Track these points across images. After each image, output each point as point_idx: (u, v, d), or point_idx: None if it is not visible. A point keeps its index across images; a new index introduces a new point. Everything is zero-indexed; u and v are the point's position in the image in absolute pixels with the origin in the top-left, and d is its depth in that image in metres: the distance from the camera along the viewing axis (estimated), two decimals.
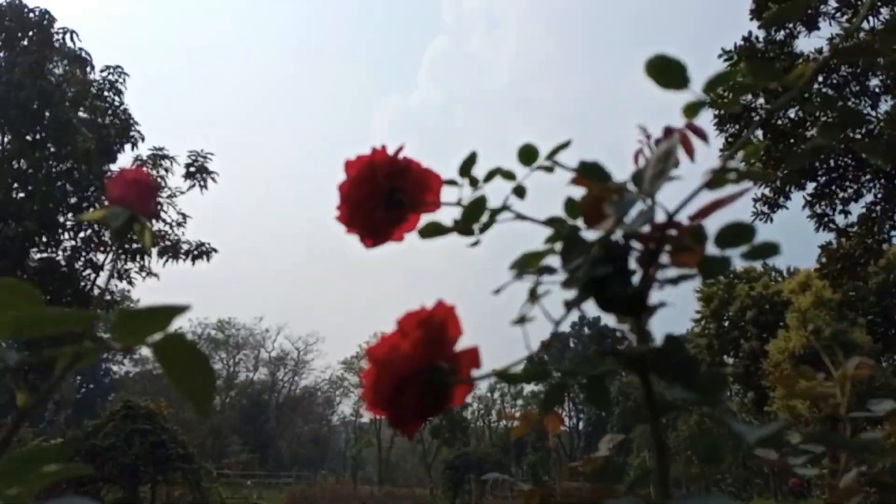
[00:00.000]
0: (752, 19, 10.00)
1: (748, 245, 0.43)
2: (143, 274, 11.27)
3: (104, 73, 11.09)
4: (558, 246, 0.46)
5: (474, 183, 0.55)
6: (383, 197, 0.54)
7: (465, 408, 34.47)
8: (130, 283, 11.26)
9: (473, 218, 0.53)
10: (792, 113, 9.84)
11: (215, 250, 11.31)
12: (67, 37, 10.67)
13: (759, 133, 9.82)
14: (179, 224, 11.16)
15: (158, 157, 11.02)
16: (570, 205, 0.48)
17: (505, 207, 0.52)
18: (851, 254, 10.25)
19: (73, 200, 10.88)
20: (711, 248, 0.42)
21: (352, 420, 41.65)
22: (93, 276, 11.20)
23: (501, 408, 41.05)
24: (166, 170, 10.99)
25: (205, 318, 38.05)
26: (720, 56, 9.30)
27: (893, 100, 9.54)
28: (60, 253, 11.07)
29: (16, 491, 0.41)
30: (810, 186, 10.33)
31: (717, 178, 0.42)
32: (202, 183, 10.92)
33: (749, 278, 18.45)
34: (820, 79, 9.32)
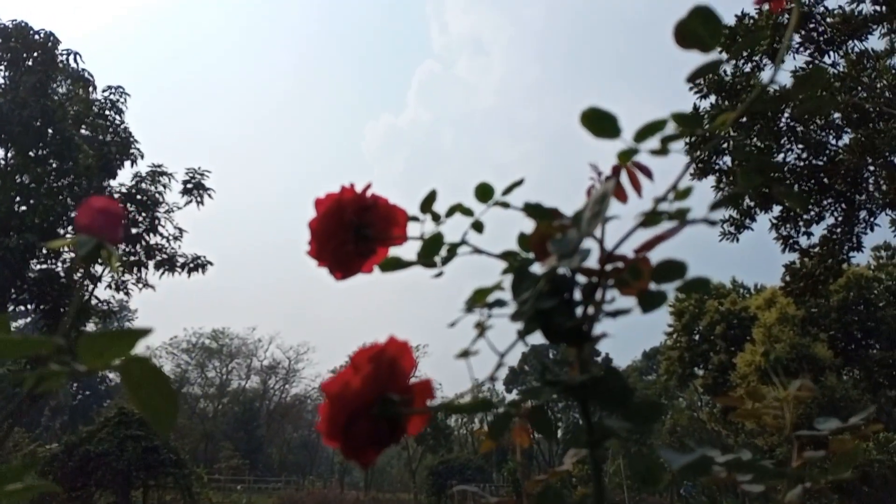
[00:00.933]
0: (721, 52, 10.58)
1: (681, 280, 0.48)
2: (140, 285, 11.67)
3: (106, 93, 11.52)
4: (508, 279, 0.50)
5: (436, 218, 0.59)
6: (351, 232, 0.58)
7: (448, 416, 34.79)
8: (128, 294, 11.65)
9: (432, 252, 0.58)
10: (759, 142, 10.39)
11: (210, 263, 11.73)
12: (71, 58, 11.09)
13: (728, 160, 10.38)
14: (176, 238, 11.58)
15: (157, 173, 11.44)
16: (522, 239, 0.53)
17: (463, 242, 0.57)
18: (814, 273, 10.82)
19: (73, 214, 11.27)
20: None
21: None
22: (90, 287, 11.60)
23: (483, 415, 41.40)
24: (164, 186, 11.42)
25: (199, 327, 38.50)
26: (691, 89, 9.84)
27: (852, 132, 10.10)
28: (60, 264, 11.45)
29: None
30: (776, 209, 10.91)
31: (650, 218, 0.48)
32: (199, 199, 11.35)
33: (718, 294, 19.16)
34: (786, 114, 9.90)
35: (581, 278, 0.50)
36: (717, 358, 16.14)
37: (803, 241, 10.82)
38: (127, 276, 11.61)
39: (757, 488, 0.69)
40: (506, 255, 0.58)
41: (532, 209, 0.55)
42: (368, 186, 0.61)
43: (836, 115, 10.48)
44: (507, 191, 0.63)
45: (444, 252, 0.60)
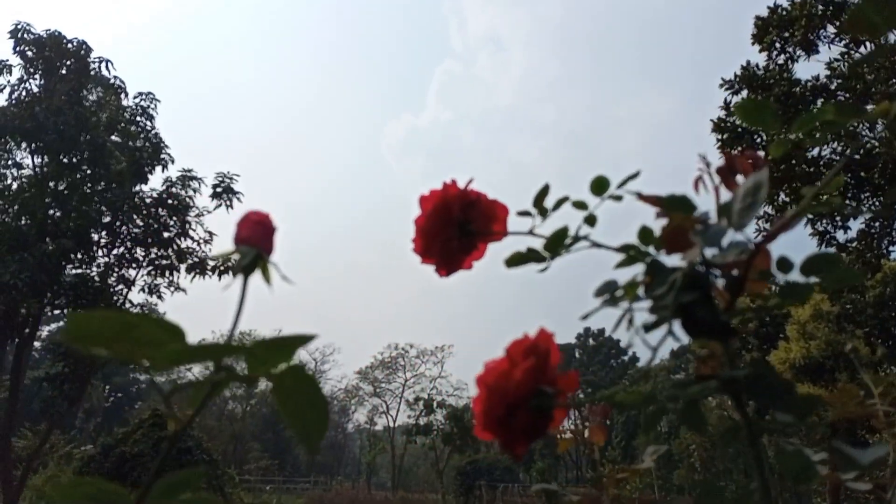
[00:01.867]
0: (753, 43, 10.42)
1: (832, 273, 0.47)
2: (172, 289, 11.82)
3: (137, 100, 11.70)
4: (625, 272, 0.51)
5: (544, 213, 0.59)
6: (457, 228, 0.59)
7: (474, 416, 34.72)
8: (160, 297, 11.81)
9: (558, 244, 0.57)
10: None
11: None
12: (103, 65, 11.28)
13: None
14: (206, 241, 11.71)
15: (187, 178, 11.58)
16: (645, 233, 0.53)
17: (583, 237, 0.57)
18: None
19: (106, 219, 11.46)
20: (795, 275, 0.46)
21: (366, 427, 42.09)
22: (125, 290, 11.79)
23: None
24: (195, 190, 11.55)
25: (227, 330, 38.88)
26: (721, 86, 9.68)
27: (887, 124, 9.87)
28: (94, 269, 11.65)
29: None
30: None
31: (811, 208, 0.47)
32: (228, 202, 11.47)
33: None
34: (819, 103, 9.73)
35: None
36: (750, 356, 15.91)
37: (840, 236, 10.61)
38: (159, 280, 11.76)
39: (863, 486, 0.67)
40: (625, 248, 0.56)
41: (675, 201, 0.53)
42: (471, 181, 0.60)
43: (870, 106, 10.24)
44: (622, 184, 0.61)
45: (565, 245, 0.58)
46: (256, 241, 0.48)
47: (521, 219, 0.61)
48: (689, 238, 0.52)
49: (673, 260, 0.53)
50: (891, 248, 10.43)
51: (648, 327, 0.49)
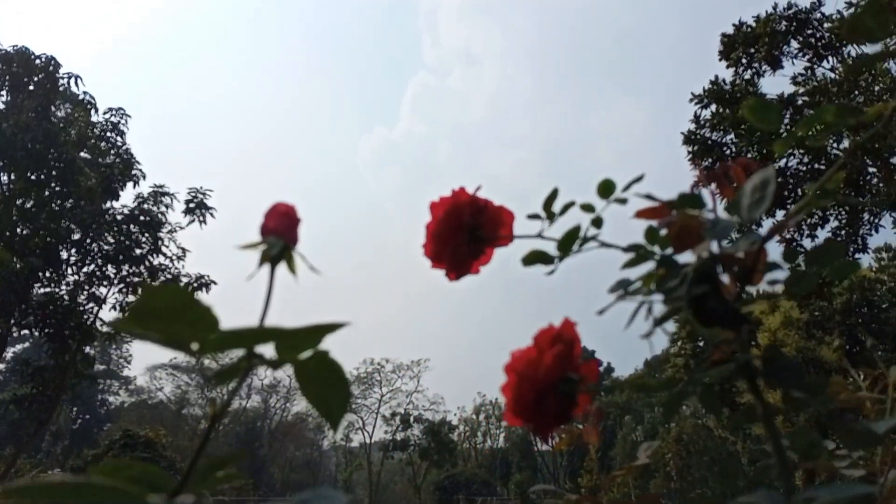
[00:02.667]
0: (720, 59, 10.69)
1: (835, 264, 0.50)
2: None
3: (107, 115, 11.55)
4: (633, 271, 0.53)
5: (552, 216, 0.62)
6: (467, 233, 0.61)
7: (452, 430, 34.66)
8: None
9: (569, 244, 0.60)
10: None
11: (214, 282, 11.71)
12: (72, 81, 11.13)
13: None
14: (179, 258, 11.57)
15: (159, 193, 11.45)
16: (651, 232, 0.56)
17: (592, 237, 0.60)
18: (819, 275, 10.88)
19: (76, 237, 11.26)
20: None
21: (342, 444, 41.70)
22: (95, 309, 11.56)
23: (486, 429, 41.33)
24: (167, 206, 11.42)
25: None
26: (691, 100, 9.90)
27: (851, 136, 10.18)
28: (64, 287, 11.42)
29: None
30: (779, 214, 10.98)
31: (815, 204, 0.51)
32: (201, 218, 11.35)
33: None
34: (787, 119, 9.98)
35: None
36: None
37: (807, 244, 10.86)
38: (130, 297, 11.57)
39: (857, 473, 0.71)
40: (633, 248, 0.58)
41: (683, 199, 0.56)
42: (479, 188, 0.63)
43: None
44: (627, 187, 0.64)
45: (575, 247, 0.61)
46: (283, 231, 0.49)
47: (526, 223, 0.64)
48: (696, 235, 0.55)
49: (681, 258, 0.58)
50: (857, 256, 10.70)
51: (661, 319, 0.52)
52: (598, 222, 0.63)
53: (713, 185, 0.69)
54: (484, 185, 0.64)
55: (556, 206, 0.65)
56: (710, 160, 10.62)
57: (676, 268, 0.54)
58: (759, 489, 0.51)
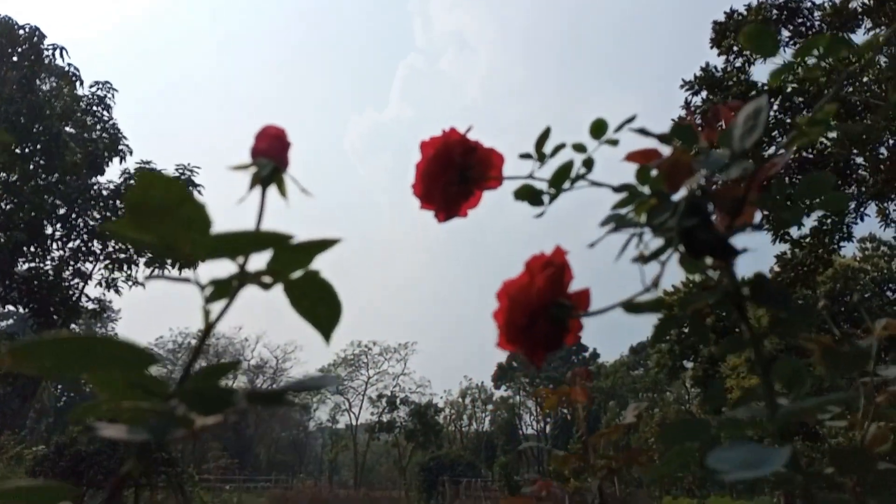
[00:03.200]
0: (712, 47, 10.68)
1: (825, 196, 0.51)
2: (130, 283, 11.55)
3: (93, 89, 11.38)
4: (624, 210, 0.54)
5: (542, 158, 0.61)
6: (456, 173, 0.60)
7: (437, 412, 34.83)
8: (118, 291, 11.54)
9: (562, 179, 0.60)
10: None
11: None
12: (57, 53, 10.95)
13: None
14: None
15: (146, 170, 11.33)
16: (642, 172, 0.56)
17: (583, 176, 0.60)
18: (805, 263, 10.97)
19: (61, 212, 11.14)
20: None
21: (328, 426, 41.85)
22: (81, 284, 11.47)
23: (472, 412, 41.63)
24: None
25: (185, 327, 38.12)
26: (682, 86, 9.90)
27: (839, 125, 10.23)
28: (49, 262, 11.32)
29: None
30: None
31: (802, 139, 0.51)
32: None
33: (706, 286, 19.25)
34: (775, 106, 10.00)
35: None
36: (707, 350, 16.36)
37: (794, 232, 10.94)
38: (116, 274, 11.48)
39: (839, 423, 0.70)
40: (623, 188, 0.58)
41: (676, 131, 0.56)
42: (470, 129, 0.62)
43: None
44: (620, 127, 0.63)
45: (566, 184, 0.61)
46: (273, 154, 0.49)
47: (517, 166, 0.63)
48: (688, 171, 0.56)
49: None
50: (842, 244, 10.80)
51: (654, 253, 0.52)
52: (589, 163, 0.63)
53: (703, 126, 0.69)
54: (504, 154, 0.63)
55: (548, 147, 0.65)
56: (706, 95, 10.47)
57: (667, 200, 0.55)
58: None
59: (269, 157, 0.50)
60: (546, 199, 0.63)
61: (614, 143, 0.66)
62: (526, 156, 0.64)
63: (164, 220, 0.37)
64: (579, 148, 0.63)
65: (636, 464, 0.97)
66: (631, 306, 0.48)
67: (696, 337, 0.52)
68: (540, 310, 0.47)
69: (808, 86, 10.25)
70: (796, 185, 0.52)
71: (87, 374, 0.38)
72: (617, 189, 0.58)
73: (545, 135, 0.63)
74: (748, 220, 0.53)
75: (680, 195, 0.53)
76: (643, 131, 0.59)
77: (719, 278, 0.52)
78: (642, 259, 0.50)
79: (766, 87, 10.10)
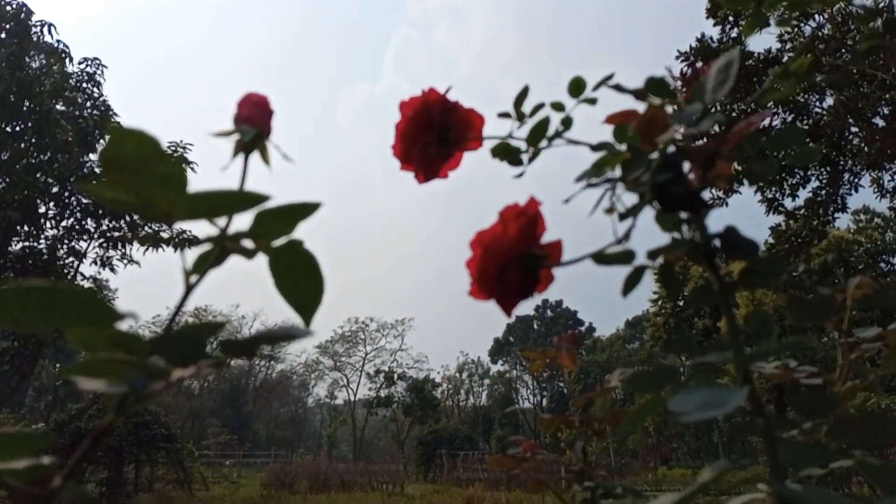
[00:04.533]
0: (707, 17, 10.59)
1: (798, 147, 0.52)
2: (125, 262, 11.54)
3: (82, 66, 11.24)
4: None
5: (521, 117, 0.61)
6: (436, 134, 0.59)
7: (435, 387, 35.10)
8: (113, 270, 11.52)
9: (539, 136, 0.59)
10: None
11: (196, 238, 11.61)
12: (45, 30, 10.79)
13: None
14: None
15: None
16: (620, 130, 0.56)
17: (559, 134, 0.60)
18: (799, 234, 11.00)
19: (54, 190, 11.08)
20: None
21: (326, 401, 42.21)
22: (75, 263, 11.45)
23: (469, 387, 41.98)
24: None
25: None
26: (677, 57, 9.83)
27: (835, 95, 10.20)
28: (42, 241, 11.27)
29: None
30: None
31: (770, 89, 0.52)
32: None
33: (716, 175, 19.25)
34: (770, 76, 9.93)
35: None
36: (702, 322, 16.49)
37: (788, 204, 10.96)
38: (111, 252, 11.46)
39: (815, 381, 0.72)
40: (601, 147, 0.59)
41: (650, 85, 0.56)
42: (450, 89, 0.61)
43: (819, 77, 10.57)
44: (598, 86, 0.66)
45: (543, 143, 0.61)
46: (256, 121, 0.48)
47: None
48: (663, 126, 0.56)
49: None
50: (837, 215, 10.82)
51: (629, 211, 0.53)
52: (567, 122, 0.62)
53: (683, 85, 0.69)
54: (484, 115, 0.62)
55: (527, 107, 0.65)
56: (699, 63, 10.47)
57: (641, 155, 0.55)
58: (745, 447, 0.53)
59: (252, 124, 0.50)
60: (525, 158, 0.62)
61: (592, 101, 0.67)
62: (504, 115, 0.63)
63: (139, 176, 0.36)
64: (557, 107, 0.63)
65: (619, 424, 0.98)
66: (600, 257, 0.48)
67: (666, 287, 0.52)
68: (512, 259, 0.47)
69: (805, 55, 10.16)
70: (769, 137, 0.52)
71: (59, 327, 0.36)
72: (595, 147, 0.58)
73: (523, 94, 0.63)
74: (723, 174, 0.55)
75: (655, 153, 0.54)
76: (618, 87, 0.59)
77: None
78: (614, 212, 0.51)
79: (761, 57, 10.05)
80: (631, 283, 0.52)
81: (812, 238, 10.74)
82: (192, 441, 21.18)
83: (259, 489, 14.11)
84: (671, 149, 0.52)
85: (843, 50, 10.03)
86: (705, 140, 0.55)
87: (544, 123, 0.61)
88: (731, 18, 10.48)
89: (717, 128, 0.55)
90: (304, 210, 0.39)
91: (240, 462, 26.29)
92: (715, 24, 10.50)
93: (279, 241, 0.40)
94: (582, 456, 1.02)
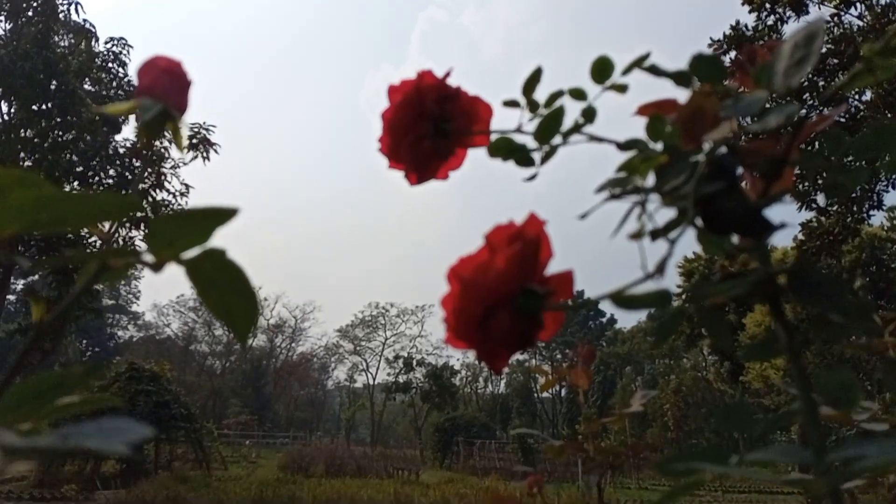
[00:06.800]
0: (743, 4, 10.25)
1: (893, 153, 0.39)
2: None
3: (108, 45, 11.26)
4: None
5: (534, 107, 0.50)
6: (430, 125, 0.49)
7: (454, 374, 35.15)
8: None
9: (550, 131, 0.48)
10: None
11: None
12: (72, 8, 10.81)
13: None
14: (182, 194, 11.46)
15: None
16: (655, 124, 0.44)
17: (579, 128, 0.48)
18: (831, 231, 10.68)
19: (78, 169, 11.15)
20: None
21: (346, 385, 42.52)
22: (98, 242, 11.54)
23: (488, 374, 41.97)
24: (170, 141, 11.24)
25: None
26: (710, 45, 9.55)
27: (875, 89, 9.85)
28: None
29: (28, 426, 0.34)
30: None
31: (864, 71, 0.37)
32: (205, 154, 11.19)
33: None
34: (810, 73, 9.61)
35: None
36: (727, 318, 16.13)
37: (821, 200, 10.64)
38: (133, 233, 11.52)
39: (880, 427, 0.61)
40: (630, 145, 0.45)
41: (697, 64, 0.43)
42: (450, 72, 0.50)
43: None
44: (630, 68, 0.50)
45: (557, 139, 0.48)
46: (162, 93, 0.39)
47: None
48: (713, 120, 0.43)
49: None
50: (872, 212, 10.49)
51: (664, 228, 0.40)
52: (590, 113, 0.49)
53: (734, 70, 0.56)
54: (493, 105, 0.51)
55: (541, 95, 0.51)
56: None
57: (682, 158, 0.41)
58: (773, 442, 0.41)
59: (157, 97, 0.40)
60: (537, 157, 0.50)
61: (622, 88, 0.51)
62: (512, 103, 0.50)
63: None
64: (577, 94, 0.49)
65: (638, 458, 0.86)
66: (625, 300, 0.36)
67: (714, 338, 0.40)
68: (501, 299, 0.36)
69: (842, 46, 9.82)
70: (855, 140, 0.39)
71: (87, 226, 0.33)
72: (623, 146, 0.45)
73: (535, 77, 0.50)
74: (787, 186, 0.41)
75: (700, 155, 0.41)
76: (655, 70, 0.46)
77: (741, 258, 0.40)
78: (643, 235, 0.38)
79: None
80: (665, 332, 0.40)
81: (845, 236, 10.42)
82: (213, 420, 21.44)
83: (276, 472, 14.22)
84: (721, 150, 0.39)
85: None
86: (760, 139, 0.43)
87: (557, 115, 0.47)
88: (767, 6, 10.13)
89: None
90: (217, 216, 0.32)
91: (259, 442, 26.58)
92: (750, 11, 10.18)
93: (192, 252, 0.33)
94: (598, 492, 0.90)
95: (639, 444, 0.78)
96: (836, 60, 9.49)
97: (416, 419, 34.23)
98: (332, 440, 28.25)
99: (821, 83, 9.94)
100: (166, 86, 0.39)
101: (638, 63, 0.50)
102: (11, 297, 27.02)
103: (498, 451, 20.51)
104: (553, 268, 0.39)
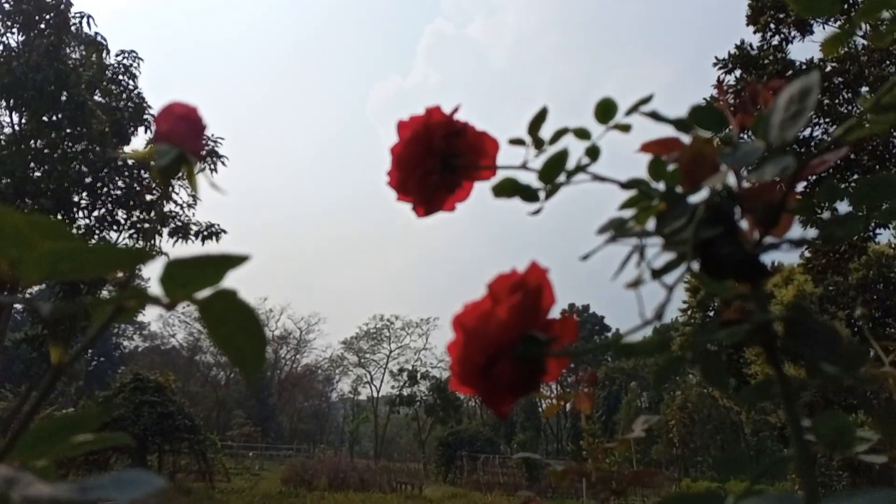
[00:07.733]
0: (748, 24, 10.29)
1: (892, 202, 0.39)
2: (155, 252, 11.66)
3: (119, 58, 11.38)
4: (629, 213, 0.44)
5: (539, 144, 0.51)
6: (438, 160, 0.51)
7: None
8: None
9: (554, 171, 0.50)
10: None
11: (224, 231, 11.69)
12: (84, 21, 10.94)
13: None
14: (190, 206, 11.52)
15: None
16: (657, 165, 0.46)
17: (583, 168, 0.49)
18: (837, 249, 10.65)
19: (87, 180, 11.23)
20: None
21: (350, 397, 42.44)
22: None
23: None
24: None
25: None
26: (715, 64, 9.57)
27: None
28: (74, 230, 11.43)
29: (44, 463, 0.36)
30: (799, 185, 10.69)
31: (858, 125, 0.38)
32: (212, 166, 11.26)
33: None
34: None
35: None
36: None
37: (826, 216, 10.62)
38: (141, 243, 11.57)
39: (878, 459, 0.57)
40: (632, 184, 0.47)
41: (697, 114, 0.44)
42: (457, 109, 0.52)
43: (865, 89, 10.22)
44: (632, 110, 0.51)
45: (561, 178, 0.50)
46: (179, 138, 0.41)
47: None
48: (712, 166, 0.45)
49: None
50: (878, 230, 10.45)
51: (662, 269, 0.41)
52: (593, 152, 0.51)
53: (736, 110, 0.57)
54: (499, 140, 0.53)
55: (546, 132, 0.53)
56: (739, 73, 10.09)
57: (681, 203, 0.43)
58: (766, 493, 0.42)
59: (174, 143, 0.43)
60: (542, 195, 0.52)
61: (625, 128, 0.53)
62: (517, 141, 0.52)
63: None
64: (582, 134, 0.51)
65: (641, 485, 0.87)
66: (623, 348, 0.37)
67: (711, 383, 0.41)
68: (502, 347, 0.37)
69: (847, 65, 9.84)
70: (852, 188, 0.40)
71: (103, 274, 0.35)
72: (625, 185, 0.47)
73: (541, 116, 0.52)
74: (783, 232, 0.42)
75: (699, 197, 0.42)
76: (655, 115, 0.48)
77: (738, 304, 0.41)
78: (640, 285, 0.39)
79: (804, 67, 9.73)
80: (664, 376, 0.41)
81: (851, 254, 10.38)
82: (217, 431, 21.40)
83: (279, 484, 14.16)
84: (720, 193, 0.41)
85: (888, 61, 9.67)
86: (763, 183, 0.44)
87: (562, 156, 0.49)
88: (772, 26, 10.17)
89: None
90: (229, 262, 0.33)
91: (262, 454, 26.51)
92: (755, 32, 10.21)
93: (205, 293, 0.35)
94: None
95: (642, 471, 0.78)
96: (840, 79, 9.50)
97: (420, 432, 34.10)
98: (336, 453, 28.18)
99: (825, 101, 9.95)
100: (182, 131, 0.42)
101: (639, 105, 0.51)
102: (17, 307, 27.13)
103: (502, 466, 20.40)
104: (559, 272, 0.40)
